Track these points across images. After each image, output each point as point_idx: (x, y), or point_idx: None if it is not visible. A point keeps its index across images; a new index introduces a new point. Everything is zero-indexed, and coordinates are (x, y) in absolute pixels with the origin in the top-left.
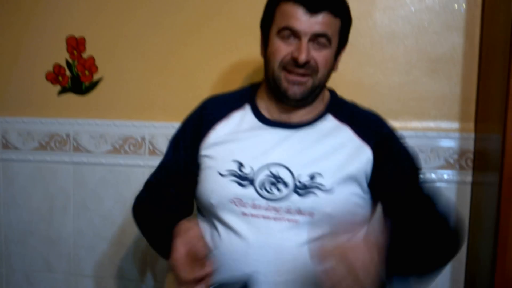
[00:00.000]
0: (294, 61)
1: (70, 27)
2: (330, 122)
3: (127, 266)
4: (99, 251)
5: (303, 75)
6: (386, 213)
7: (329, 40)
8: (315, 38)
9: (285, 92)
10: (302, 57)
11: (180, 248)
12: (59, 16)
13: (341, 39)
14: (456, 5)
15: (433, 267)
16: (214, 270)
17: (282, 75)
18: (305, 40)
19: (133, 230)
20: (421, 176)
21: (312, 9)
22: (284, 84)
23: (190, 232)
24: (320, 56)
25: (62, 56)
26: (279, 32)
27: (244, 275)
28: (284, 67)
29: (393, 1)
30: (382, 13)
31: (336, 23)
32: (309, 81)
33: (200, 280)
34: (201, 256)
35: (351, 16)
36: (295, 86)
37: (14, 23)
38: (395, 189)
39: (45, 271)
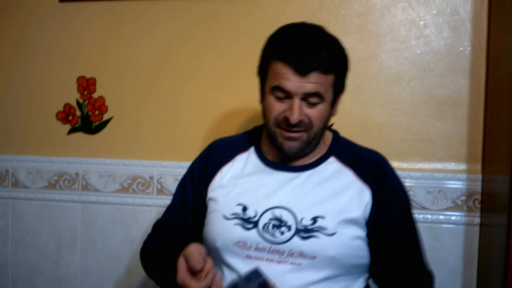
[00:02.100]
0: (287, 121)
1: (80, 67)
2: (332, 164)
3: None
4: None
5: (297, 131)
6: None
7: (321, 97)
8: (307, 97)
9: (281, 148)
10: (294, 118)
11: (182, 266)
12: (70, 56)
13: (336, 89)
14: (461, 48)
15: None
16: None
17: (277, 132)
18: (296, 100)
19: (140, 270)
20: (413, 228)
21: (302, 70)
22: (280, 140)
23: (188, 249)
24: (313, 112)
25: (72, 96)
26: (272, 90)
27: (252, 269)
28: (279, 124)
29: (399, 44)
30: (388, 55)
31: (328, 79)
32: (303, 136)
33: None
34: (199, 267)
35: (347, 63)
36: (290, 142)
37: (25, 62)
38: (384, 237)
39: None
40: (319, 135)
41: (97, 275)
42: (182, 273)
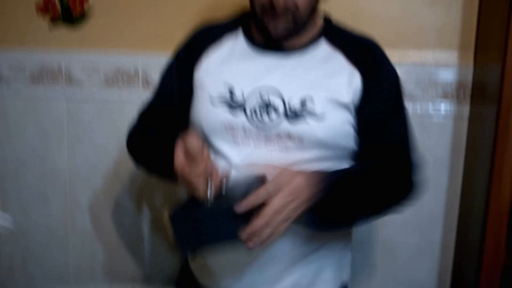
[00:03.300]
0: (272, 7)
1: None
2: (323, 48)
3: (123, 198)
4: (95, 183)
5: (283, 17)
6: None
7: None
8: None
9: (268, 31)
10: (279, 4)
11: (179, 153)
12: None
13: None
14: None
15: (381, 209)
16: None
17: (264, 19)
18: None
19: (129, 164)
20: (403, 114)
21: None
22: (266, 23)
23: (185, 136)
24: None
25: None
26: None
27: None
28: (265, 11)
29: None
30: None
31: None
32: (290, 21)
33: (209, 174)
34: (197, 151)
35: None
36: (277, 28)
37: None
38: (372, 121)
39: (41, 203)
40: (308, 20)
41: (86, 169)
42: (180, 161)
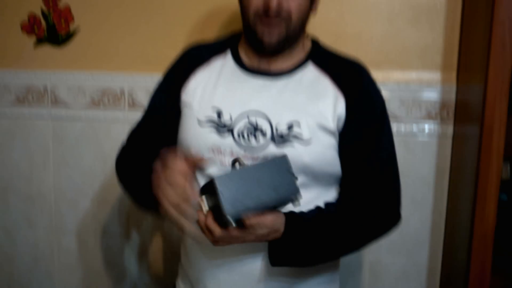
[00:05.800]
0: (266, 10)
1: None
2: (310, 71)
3: (111, 222)
4: (81, 207)
5: (276, 21)
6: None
7: None
8: None
9: (261, 39)
10: (273, 6)
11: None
12: None
13: None
14: None
15: (363, 244)
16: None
17: (257, 23)
18: None
19: (116, 187)
20: (386, 141)
21: None
22: (260, 30)
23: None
24: (292, 4)
25: (37, 5)
26: None
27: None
28: (258, 17)
29: None
30: None
31: None
32: (282, 26)
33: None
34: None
35: None
36: (270, 30)
37: None
38: (354, 148)
39: (26, 227)
40: (298, 31)
41: (71, 193)
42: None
